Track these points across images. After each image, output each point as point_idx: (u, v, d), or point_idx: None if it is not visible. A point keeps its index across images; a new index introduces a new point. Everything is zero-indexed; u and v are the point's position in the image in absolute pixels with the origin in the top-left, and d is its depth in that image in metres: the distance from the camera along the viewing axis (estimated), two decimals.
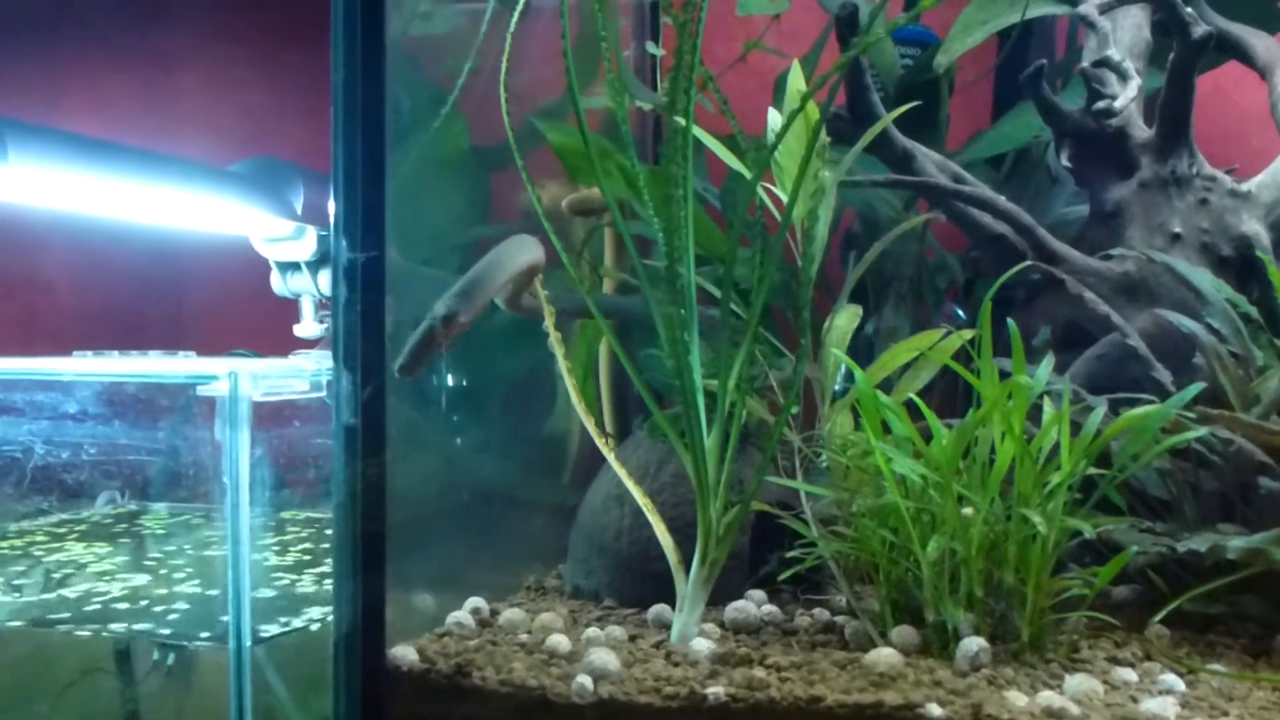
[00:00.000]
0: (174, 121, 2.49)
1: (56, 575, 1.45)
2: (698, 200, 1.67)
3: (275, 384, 1.31)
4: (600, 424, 1.48)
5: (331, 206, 1.05)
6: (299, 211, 1.75)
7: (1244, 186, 1.37)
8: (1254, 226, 1.34)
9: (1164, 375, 1.24)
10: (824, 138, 1.18)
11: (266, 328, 1.94)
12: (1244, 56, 1.46)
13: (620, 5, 1.86)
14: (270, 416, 1.31)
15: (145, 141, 2.50)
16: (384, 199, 1.05)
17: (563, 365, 1.22)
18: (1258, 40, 1.45)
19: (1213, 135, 1.85)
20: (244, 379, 1.26)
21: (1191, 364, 1.28)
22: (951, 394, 1.53)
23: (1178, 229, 1.36)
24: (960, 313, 1.75)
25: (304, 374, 1.37)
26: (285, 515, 1.72)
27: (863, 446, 1.15)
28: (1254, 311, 1.29)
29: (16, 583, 1.43)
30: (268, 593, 1.38)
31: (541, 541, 1.48)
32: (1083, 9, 1.32)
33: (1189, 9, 1.27)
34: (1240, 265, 1.36)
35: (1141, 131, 1.39)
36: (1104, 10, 1.29)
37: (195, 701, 1.31)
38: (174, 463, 1.65)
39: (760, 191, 1.22)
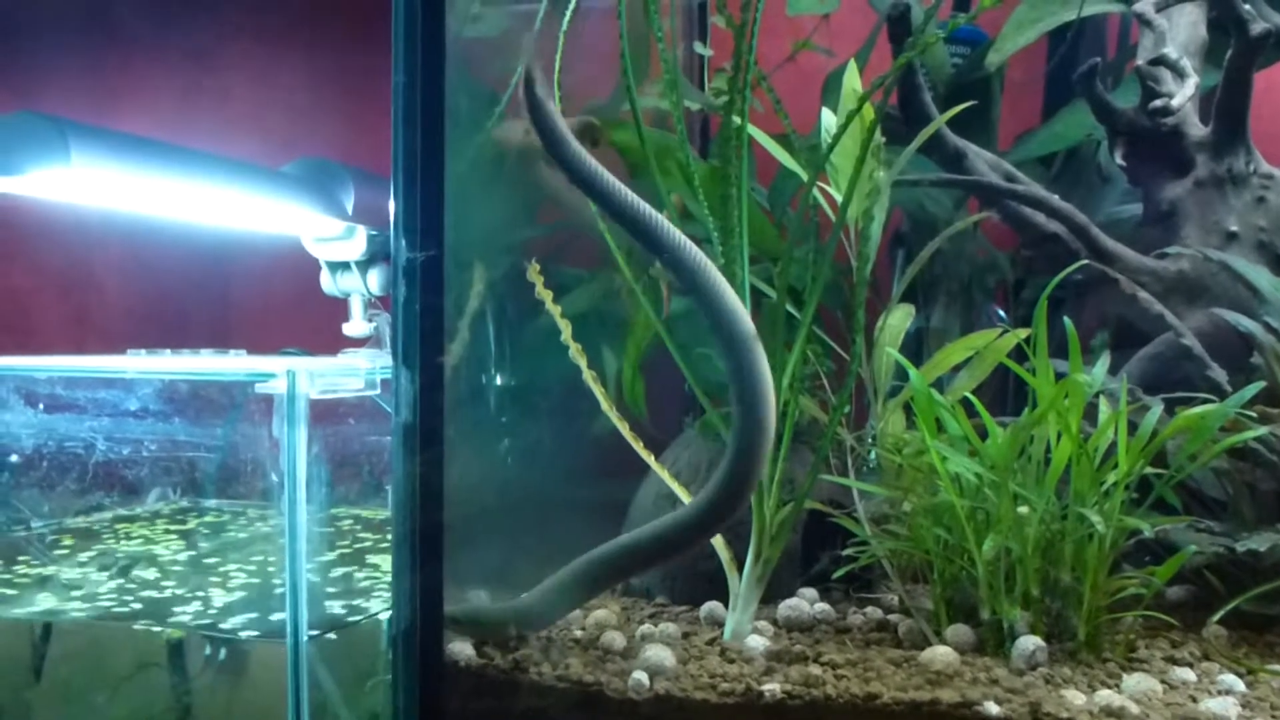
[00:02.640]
0: (220, 124, 2.53)
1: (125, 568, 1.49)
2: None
3: (331, 382, 1.33)
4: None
5: (391, 206, 1.07)
6: (350, 211, 1.77)
7: None
8: None
9: (1220, 375, 1.23)
10: (878, 138, 1.18)
11: (315, 326, 1.97)
12: None
13: (669, 6, 1.87)
14: (326, 414, 1.33)
15: (192, 144, 2.55)
16: (443, 199, 1.07)
17: (587, 376, 1.23)
18: None
19: (1267, 134, 1.83)
20: (301, 377, 1.28)
21: (1249, 364, 1.27)
22: (1002, 392, 1.52)
23: (1234, 227, 1.34)
24: (1002, 314, 1.74)
25: (359, 372, 1.39)
26: (338, 512, 1.74)
27: (916, 445, 1.15)
28: None
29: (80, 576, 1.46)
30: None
31: (592, 539, 1.49)
32: (1138, 7, 1.31)
33: (1246, 6, 1.25)
34: None
35: (1197, 129, 1.38)
36: (1160, 8, 1.28)
37: (245, 696, 1.33)
38: (231, 459, 1.68)
39: (813, 191, 1.23)
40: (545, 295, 1.23)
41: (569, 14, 1.27)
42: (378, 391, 1.40)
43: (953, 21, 1.05)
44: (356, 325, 1.91)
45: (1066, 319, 1.09)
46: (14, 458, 1.55)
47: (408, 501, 1.06)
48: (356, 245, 1.84)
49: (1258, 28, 1.23)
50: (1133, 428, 1.10)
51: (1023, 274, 1.72)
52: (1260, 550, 1.10)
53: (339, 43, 2.44)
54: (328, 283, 1.90)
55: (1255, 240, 1.35)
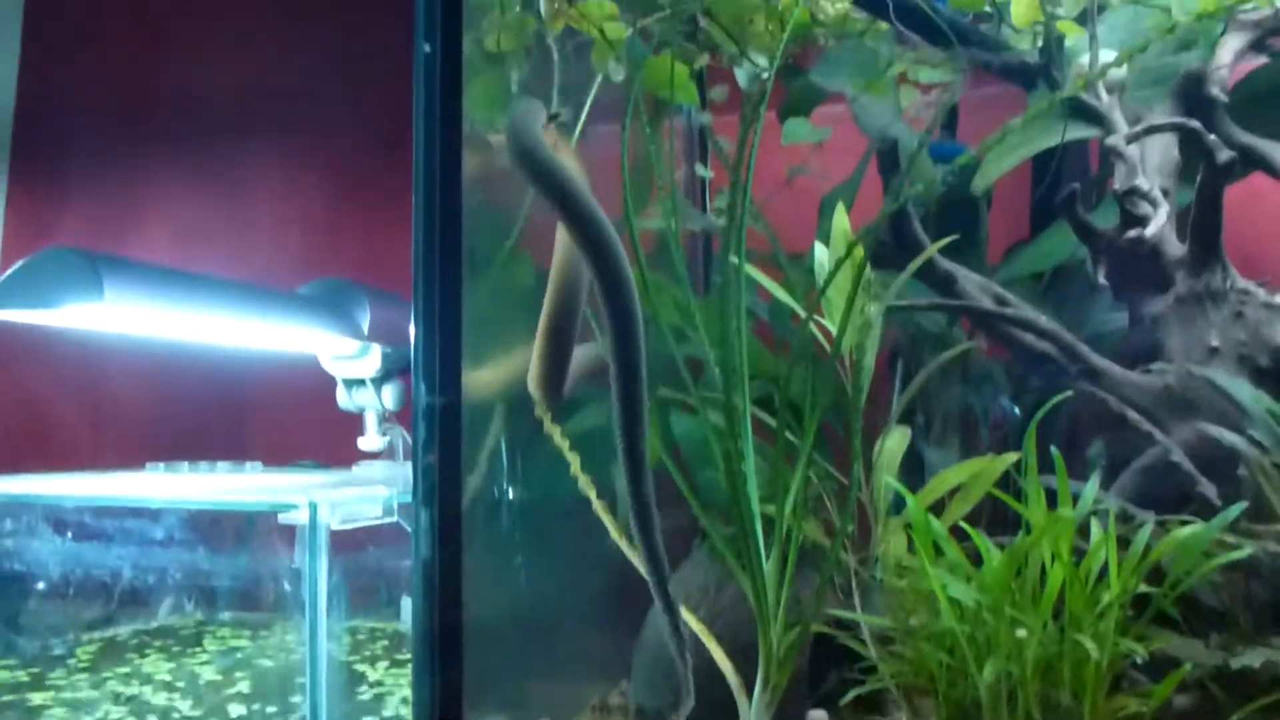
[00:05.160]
0: (243, 238, 2.62)
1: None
2: (748, 316, 1.74)
3: (351, 511, 1.38)
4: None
5: (411, 354, 1.13)
6: (366, 331, 1.84)
7: (1278, 299, 1.41)
8: None
9: (1210, 490, 1.28)
10: (868, 273, 1.25)
11: (330, 437, 2.02)
12: (1272, 170, 1.51)
13: (672, 128, 1.94)
14: (346, 543, 1.38)
15: (215, 256, 2.64)
16: (460, 345, 1.13)
17: (597, 507, 1.27)
18: None
19: (1248, 236, 1.89)
20: (323, 508, 1.33)
21: (1237, 475, 1.31)
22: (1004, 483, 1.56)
23: (1215, 342, 1.40)
24: (1016, 410, 1.78)
25: (377, 500, 1.44)
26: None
27: (916, 570, 1.19)
28: None
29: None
30: None
31: (608, 657, 1.53)
32: (1110, 140, 1.39)
33: (1212, 136, 1.32)
34: (1279, 376, 1.39)
35: (1175, 248, 1.44)
36: (1131, 140, 1.35)
37: None
38: (253, 587, 1.72)
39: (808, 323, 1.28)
40: (553, 430, 1.28)
41: (576, 135, 1.34)
42: (395, 518, 1.45)
43: (926, 187, 1.11)
44: (371, 440, 1.97)
45: (1054, 448, 1.14)
46: (41, 585, 1.60)
47: (428, 641, 1.11)
48: (371, 362, 1.91)
49: (1224, 156, 1.30)
50: (1127, 543, 1.14)
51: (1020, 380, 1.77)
52: (1255, 666, 1.14)
53: (360, 162, 2.54)
54: (343, 398, 1.97)
55: (1236, 354, 1.40)
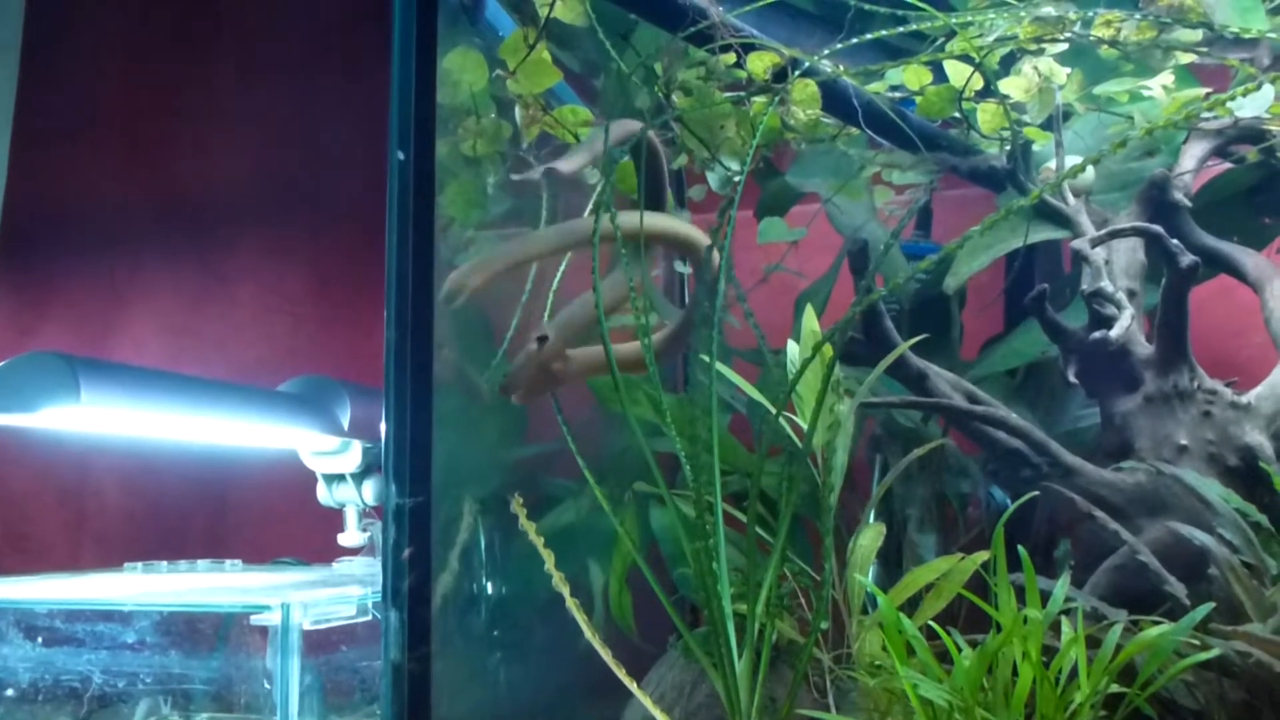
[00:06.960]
0: (226, 329, 2.64)
1: None
2: (724, 409, 1.75)
3: (325, 611, 1.38)
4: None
5: (383, 453, 1.14)
6: (346, 427, 1.85)
7: (1244, 399, 1.43)
8: (1256, 437, 1.40)
9: (1178, 589, 1.28)
10: (838, 373, 1.26)
11: (311, 533, 2.01)
12: (1235, 272, 1.55)
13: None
14: (322, 642, 1.37)
15: (198, 348, 2.65)
16: (430, 447, 1.14)
17: (570, 605, 1.27)
18: (1247, 258, 1.53)
19: (1222, 332, 1.92)
20: (295, 610, 1.33)
21: (1208, 573, 1.31)
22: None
23: (1184, 441, 1.41)
24: (1008, 501, 1.78)
25: (351, 599, 1.43)
26: None
27: (890, 668, 1.18)
28: (1264, 520, 1.33)
29: None
30: None
31: None
32: (1076, 244, 1.42)
33: (1175, 240, 1.36)
34: (1247, 475, 1.40)
35: (1143, 348, 1.46)
36: (1096, 244, 1.39)
37: None
38: (228, 688, 1.70)
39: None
40: (529, 527, 1.28)
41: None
42: (370, 616, 1.44)
43: (893, 288, 1.14)
44: (351, 535, 1.97)
45: (1021, 548, 1.14)
46: (10, 691, 1.58)
47: None
48: (352, 458, 1.91)
49: (1186, 260, 1.33)
50: (1099, 642, 1.14)
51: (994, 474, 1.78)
52: None
53: (342, 260, 2.57)
54: (323, 494, 1.97)
55: (1205, 453, 1.41)
